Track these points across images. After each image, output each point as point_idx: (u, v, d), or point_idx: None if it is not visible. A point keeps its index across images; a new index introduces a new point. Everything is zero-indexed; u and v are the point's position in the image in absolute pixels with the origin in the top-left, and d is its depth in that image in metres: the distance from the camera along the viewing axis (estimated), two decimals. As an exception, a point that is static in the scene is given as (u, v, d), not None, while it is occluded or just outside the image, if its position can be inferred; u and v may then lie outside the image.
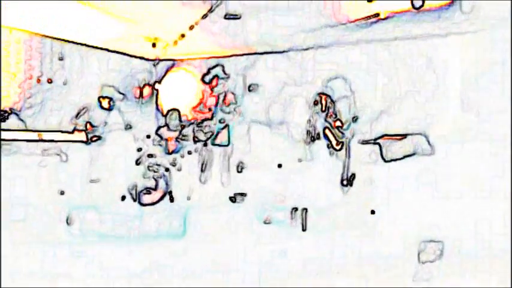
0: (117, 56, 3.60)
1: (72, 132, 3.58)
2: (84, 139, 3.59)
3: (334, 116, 3.62)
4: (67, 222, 3.57)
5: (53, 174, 3.57)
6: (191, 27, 3.55)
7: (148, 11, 3.51)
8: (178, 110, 3.64)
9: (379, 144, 3.60)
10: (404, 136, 3.59)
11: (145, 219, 3.62)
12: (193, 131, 3.63)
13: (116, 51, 3.58)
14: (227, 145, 3.64)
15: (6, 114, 3.48)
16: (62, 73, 3.57)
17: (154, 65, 3.61)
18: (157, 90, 3.63)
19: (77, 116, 3.59)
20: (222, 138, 3.65)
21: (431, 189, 3.60)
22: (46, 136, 3.54)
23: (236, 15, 3.53)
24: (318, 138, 3.64)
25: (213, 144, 3.64)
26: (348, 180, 3.61)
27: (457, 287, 3.56)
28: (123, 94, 3.61)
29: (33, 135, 3.53)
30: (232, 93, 3.63)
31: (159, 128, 3.64)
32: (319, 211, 3.63)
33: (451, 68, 3.59)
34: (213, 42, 3.58)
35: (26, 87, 3.52)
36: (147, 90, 3.62)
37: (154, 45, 3.59)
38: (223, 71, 3.62)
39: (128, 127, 3.63)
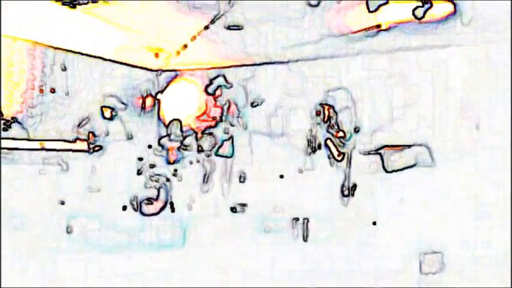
0: (119, 66, 3.61)
1: (74, 142, 3.59)
2: (86, 148, 3.59)
3: (336, 126, 3.63)
4: (67, 232, 3.57)
5: (53, 184, 3.57)
6: (193, 38, 3.57)
7: (151, 22, 3.53)
8: (180, 120, 3.65)
9: (380, 154, 3.60)
10: (405, 147, 3.59)
11: (146, 229, 3.62)
12: (197, 141, 3.64)
13: (118, 61, 3.59)
14: (231, 156, 3.64)
15: (9, 123, 3.49)
16: (65, 83, 3.58)
17: (156, 76, 3.63)
18: (159, 100, 3.64)
19: (79, 125, 3.60)
20: (225, 149, 3.65)
21: (432, 199, 3.60)
22: (48, 145, 3.55)
23: (238, 25, 3.55)
24: (319, 148, 3.64)
25: (217, 154, 3.65)
26: (349, 191, 3.61)
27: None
28: (125, 104, 3.62)
29: (35, 144, 3.53)
30: (235, 104, 3.64)
31: (161, 138, 3.64)
32: (320, 221, 3.63)
33: (452, 78, 3.60)
34: (215, 53, 3.60)
35: (28, 96, 3.53)
36: (149, 101, 3.63)
37: (156, 55, 3.60)
38: (226, 80, 3.63)
39: (130, 137, 3.64)
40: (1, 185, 3.49)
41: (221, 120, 3.64)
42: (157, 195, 3.64)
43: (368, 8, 3.46)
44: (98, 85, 3.60)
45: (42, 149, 3.54)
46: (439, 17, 3.51)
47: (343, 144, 3.63)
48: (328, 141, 3.62)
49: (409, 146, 3.59)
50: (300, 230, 3.61)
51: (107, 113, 3.62)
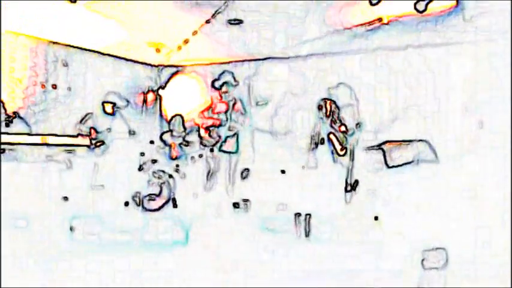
0: (121, 61, 3.62)
1: (76, 137, 3.59)
2: (88, 144, 3.60)
3: (338, 121, 3.62)
4: (70, 228, 3.57)
5: (56, 181, 3.57)
6: (194, 33, 3.57)
7: (152, 17, 3.54)
8: (182, 116, 3.64)
9: (382, 150, 3.59)
10: (407, 142, 3.58)
11: (148, 226, 3.61)
12: (200, 136, 3.63)
13: (120, 57, 3.59)
14: (235, 152, 3.63)
15: (11, 119, 3.50)
16: (67, 79, 3.59)
17: (158, 71, 3.63)
18: (160, 96, 3.64)
19: (81, 121, 3.60)
20: (230, 145, 3.64)
21: (435, 195, 3.57)
22: (50, 140, 3.56)
23: (239, 20, 3.55)
24: (322, 143, 3.63)
25: (221, 150, 3.64)
26: (352, 187, 3.60)
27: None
28: (126, 100, 3.63)
29: (37, 139, 3.54)
30: (241, 101, 3.64)
31: (162, 133, 3.64)
32: (322, 217, 3.61)
33: (454, 75, 3.58)
34: (216, 48, 3.60)
35: (30, 93, 3.54)
36: (150, 96, 3.63)
37: (158, 50, 3.60)
38: (234, 78, 3.63)
39: (132, 133, 3.64)
40: (1, 181, 3.50)
41: (227, 117, 3.64)
42: (160, 191, 3.63)
43: (370, 1, 3.44)
44: (99, 81, 3.61)
45: (45, 144, 3.55)
46: (440, 11, 3.49)
47: (346, 139, 3.61)
48: (331, 136, 3.61)
49: (411, 142, 3.57)
50: (302, 225, 3.60)
51: (109, 108, 3.62)
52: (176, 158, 3.65)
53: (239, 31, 3.57)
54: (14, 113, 3.52)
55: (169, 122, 3.65)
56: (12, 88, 3.50)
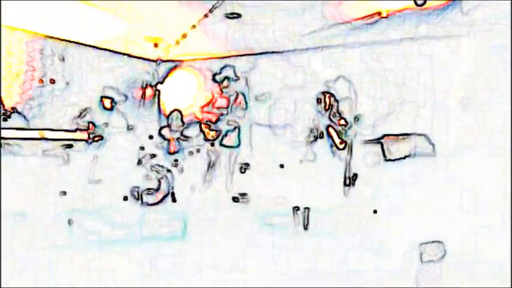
0: (119, 56, 3.60)
1: (74, 132, 3.58)
2: (86, 138, 3.59)
3: (338, 114, 3.62)
4: (68, 223, 3.56)
5: (54, 175, 3.57)
6: (193, 27, 3.56)
7: (150, 11, 3.52)
8: (180, 111, 3.64)
9: (381, 143, 3.60)
10: (406, 136, 3.58)
11: (147, 220, 3.61)
12: (202, 131, 3.63)
13: (117, 51, 3.58)
14: (237, 147, 3.63)
15: (9, 114, 3.49)
16: (64, 74, 3.58)
17: (156, 66, 3.62)
18: (159, 91, 3.63)
19: (79, 116, 3.59)
20: (231, 140, 3.64)
21: (433, 190, 3.59)
22: (48, 135, 3.55)
23: (237, 14, 3.54)
24: (321, 137, 3.63)
25: (221, 144, 3.64)
26: (350, 181, 3.60)
27: (458, 287, 3.54)
28: (124, 95, 3.62)
29: (35, 134, 3.53)
30: (243, 95, 3.63)
31: (161, 128, 3.64)
32: (320, 211, 3.62)
33: (453, 68, 3.59)
34: (214, 42, 3.59)
35: (28, 87, 3.52)
36: (149, 91, 3.63)
37: (156, 45, 3.59)
38: (235, 72, 3.62)
39: (130, 128, 3.63)
40: (1, 176, 3.50)
41: (227, 111, 3.63)
42: (159, 186, 3.63)
43: (369, -5, 3.45)
44: (97, 76, 3.60)
45: (42, 138, 3.54)
46: (439, 4, 3.49)
47: (345, 132, 3.62)
48: (330, 129, 3.61)
49: (409, 135, 3.58)
50: (300, 218, 3.60)
51: (107, 103, 3.61)
52: (175, 153, 3.64)
53: (237, 25, 3.56)
54: (12, 108, 3.51)
55: (167, 117, 3.64)
56: (10, 83, 3.49)
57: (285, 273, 3.60)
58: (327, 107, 3.62)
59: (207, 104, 3.64)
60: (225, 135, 3.64)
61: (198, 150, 3.64)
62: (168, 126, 3.64)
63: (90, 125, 3.59)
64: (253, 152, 3.64)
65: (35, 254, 3.53)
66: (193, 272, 3.61)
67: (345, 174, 3.61)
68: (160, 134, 3.64)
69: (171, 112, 3.64)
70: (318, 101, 3.63)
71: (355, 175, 3.61)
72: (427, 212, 3.58)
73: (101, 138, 3.61)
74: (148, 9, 3.52)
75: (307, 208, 3.61)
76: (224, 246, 3.61)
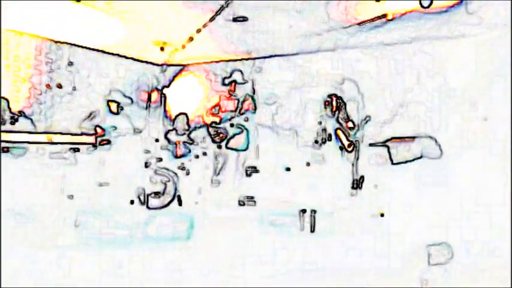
0: (125, 60, 3.62)
1: (81, 136, 3.60)
2: (93, 142, 3.60)
3: (346, 117, 3.61)
4: (75, 226, 3.57)
5: (61, 178, 3.58)
6: (198, 31, 3.57)
7: (156, 15, 3.53)
8: (186, 115, 3.65)
9: (387, 146, 3.59)
10: (412, 139, 3.57)
11: (153, 223, 3.62)
12: (209, 134, 3.64)
13: (124, 55, 3.60)
14: (245, 149, 3.64)
15: (16, 117, 3.51)
16: (71, 78, 3.59)
17: (162, 70, 3.63)
18: (165, 94, 3.64)
19: (86, 120, 3.61)
20: (239, 142, 3.65)
21: (440, 191, 3.57)
22: (55, 139, 3.56)
23: (243, 17, 3.55)
24: (330, 139, 3.63)
25: (228, 147, 3.64)
26: (357, 183, 3.59)
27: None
28: (131, 99, 3.63)
29: (43, 138, 3.55)
30: (253, 99, 3.64)
31: (167, 132, 3.65)
32: (327, 213, 3.61)
33: (460, 70, 3.58)
34: (220, 46, 3.60)
35: (35, 91, 3.54)
36: (155, 95, 3.64)
37: (162, 49, 3.60)
38: (243, 76, 3.63)
39: (137, 131, 3.64)
40: (1, 178, 3.51)
41: (235, 115, 3.64)
42: (165, 189, 3.64)
43: (375, -3, 3.44)
44: (104, 80, 3.61)
45: (50, 142, 3.55)
46: (445, 5, 3.48)
47: (355, 134, 3.61)
48: (339, 131, 3.61)
49: (416, 138, 3.57)
50: (307, 221, 3.60)
51: (114, 107, 3.63)
52: (181, 156, 3.65)
53: (244, 28, 3.57)
54: (19, 111, 3.52)
55: (173, 120, 3.65)
56: (18, 87, 3.51)
57: (291, 275, 3.60)
58: (334, 110, 3.62)
59: (214, 107, 3.65)
60: (232, 137, 3.65)
61: (205, 154, 3.65)
62: (174, 129, 3.65)
63: (97, 128, 3.61)
64: (259, 155, 3.64)
65: (42, 256, 3.54)
66: (198, 274, 3.61)
67: (352, 176, 3.61)
68: (166, 138, 3.65)
69: (177, 115, 3.65)
70: (326, 103, 3.62)
71: (362, 177, 3.60)
72: (434, 214, 3.57)
73: (108, 142, 3.62)
74: (154, 13, 3.53)
75: (314, 211, 3.60)
76: (229, 248, 3.61)
